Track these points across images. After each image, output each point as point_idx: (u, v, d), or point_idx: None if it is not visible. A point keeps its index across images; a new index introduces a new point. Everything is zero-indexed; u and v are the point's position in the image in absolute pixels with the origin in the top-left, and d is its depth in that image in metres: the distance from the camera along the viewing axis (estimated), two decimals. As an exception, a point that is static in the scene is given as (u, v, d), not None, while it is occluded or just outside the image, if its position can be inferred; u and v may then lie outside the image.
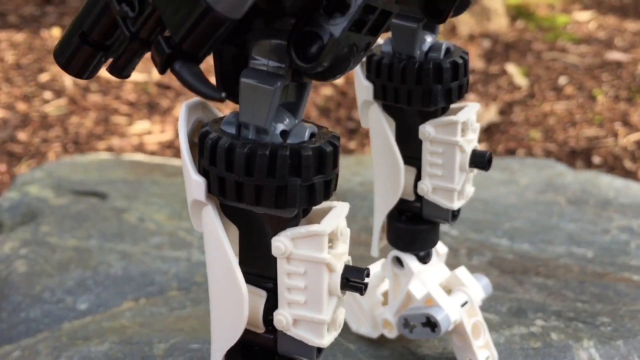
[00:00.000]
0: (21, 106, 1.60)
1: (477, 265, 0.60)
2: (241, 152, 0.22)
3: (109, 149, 1.44)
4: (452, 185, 0.35)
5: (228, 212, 0.25)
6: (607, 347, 0.41)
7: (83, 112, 1.57)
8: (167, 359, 0.41)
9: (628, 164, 1.48)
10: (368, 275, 0.25)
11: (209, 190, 0.24)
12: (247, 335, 0.27)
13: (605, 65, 1.96)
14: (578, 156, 1.51)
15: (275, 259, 0.25)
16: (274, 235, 0.25)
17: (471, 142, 0.35)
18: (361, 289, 0.25)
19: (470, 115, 0.35)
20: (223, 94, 0.21)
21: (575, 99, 1.74)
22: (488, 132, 1.63)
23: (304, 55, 0.22)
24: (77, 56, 0.23)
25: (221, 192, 0.23)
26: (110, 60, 0.23)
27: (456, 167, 0.35)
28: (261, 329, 0.26)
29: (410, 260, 0.38)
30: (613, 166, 1.48)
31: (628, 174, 1.44)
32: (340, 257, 0.25)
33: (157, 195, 0.78)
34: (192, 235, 0.65)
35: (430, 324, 0.37)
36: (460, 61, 0.34)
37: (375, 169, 0.37)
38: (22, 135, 1.50)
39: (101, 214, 0.70)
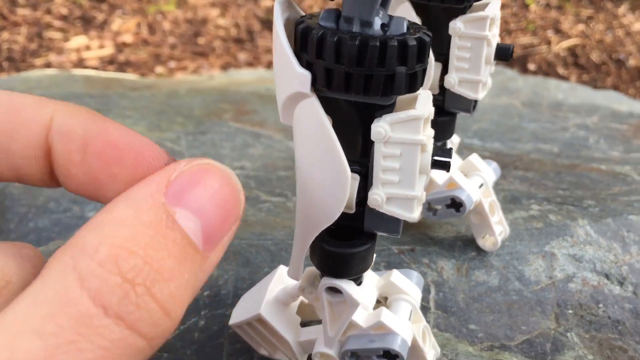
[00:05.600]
0: (-59, 22, 1.50)
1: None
2: (353, 44, 0.24)
3: (48, 66, 1.38)
4: (478, 77, 0.38)
5: (322, 103, 0.27)
6: (599, 224, 0.46)
7: (14, 28, 1.48)
8: (202, 255, 0.42)
9: (561, 69, 1.56)
10: (451, 155, 0.27)
11: (313, 83, 0.25)
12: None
13: (535, -26, 2.01)
14: (515, 64, 1.57)
15: (365, 144, 0.27)
16: (364, 123, 0.26)
17: (495, 36, 0.38)
18: (447, 165, 0.27)
19: (496, 11, 0.37)
20: None
21: (510, 8, 1.79)
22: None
23: None
24: None
25: (328, 83, 0.25)
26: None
27: (482, 60, 0.37)
28: (352, 210, 0.28)
29: (432, 150, 0.41)
30: (547, 72, 1.55)
31: (561, 79, 1.52)
32: (430, 138, 0.27)
33: (129, 108, 0.77)
34: (178, 145, 0.66)
35: (455, 204, 0.40)
36: (492, -42, 0.36)
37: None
38: (-53, 54, 1.41)
39: (79, 128, 0.69)
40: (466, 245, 0.44)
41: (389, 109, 0.27)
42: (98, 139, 0.25)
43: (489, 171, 0.43)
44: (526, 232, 0.45)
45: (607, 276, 0.42)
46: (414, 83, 0.26)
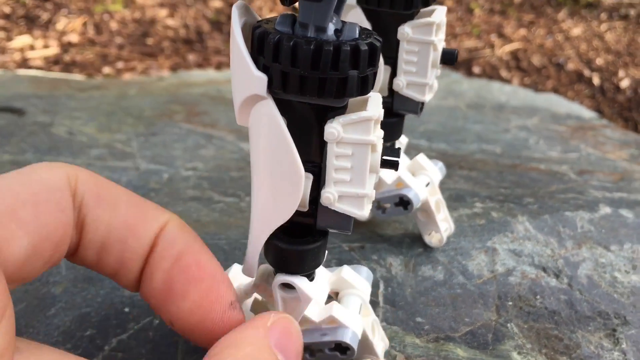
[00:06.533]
0: None
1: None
2: (308, 48, 0.25)
3: (-10, 66, 1.35)
4: (425, 80, 0.40)
5: (277, 105, 0.28)
6: (537, 220, 0.49)
7: (-46, 26, 1.44)
8: (156, 255, 0.43)
9: (504, 72, 1.61)
10: (400, 155, 0.29)
11: (269, 86, 0.26)
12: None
13: (479, -21, 2.07)
14: (460, 66, 1.62)
15: (319, 144, 0.28)
16: (318, 124, 0.28)
17: (441, 41, 0.40)
18: (396, 165, 0.29)
19: (442, 17, 0.39)
20: None
21: (455, 12, 1.83)
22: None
23: None
24: None
25: (283, 86, 0.26)
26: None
27: (429, 64, 0.39)
28: (306, 208, 0.29)
29: (381, 151, 0.43)
30: (491, 75, 1.59)
31: (504, 82, 1.56)
32: (379, 138, 0.28)
33: (78, 109, 0.76)
34: (130, 147, 0.66)
35: (403, 202, 0.42)
36: (437, -32, 0.37)
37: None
38: None
39: (27, 129, 0.68)
40: (413, 242, 0.45)
41: (342, 110, 0.29)
42: (191, 257, 0.29)
43: (435, 170, 0.45)
44: (470, 229, 0.47)
45: (544, 269, 0.45)
46: (365, 86, 0.27)
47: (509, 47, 1.68)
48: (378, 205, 0.43)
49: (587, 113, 0.97)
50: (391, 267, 0.43)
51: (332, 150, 0.28)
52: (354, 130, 0.28)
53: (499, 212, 0.49)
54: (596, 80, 1.57)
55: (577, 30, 1.76)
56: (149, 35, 1.52)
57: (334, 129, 0.28)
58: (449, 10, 1.84)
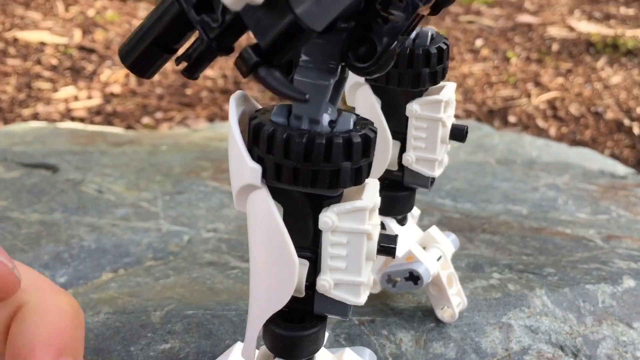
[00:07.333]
0: None
1: (429, 225, 0.65)
2: (300, 141, 0.25)
3: (35, 116, 1.40)
4: (434, 156, 0.40)
5: (273, 193, 0.28)
6: (556, 294, 0.47)
7: (3, 78, 1.50)
8: (166, 326, 0.43)
9: (540, 122, 1.59)
10: (396, 242, 0.29)
11: (263, 175, 0.26)
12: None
13: (516, 27, 2.07)
14: (495, 115, 1.61)
15: (315, 232, 0.28)
16: (314, 211, 0.28)
17: (450, 117, 0.40)
18: (393, 252, 0.28)
19: (451, 94, 0.39)
20: (307, 96, 0.23)
21: (492, 61, 1.83)
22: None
23: (362, 57, 0.24)
24: (146, 58, 0.25)
25: (277, 176, 0.26)
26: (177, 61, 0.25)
27: (438, 140, 0.39)
28: (302, 294, 0.29)
29: (391, 223, 0.42)
30: (527, 124, 1.58)
31: (541, 132, 1.55)
32: (376, 226, 0.28)
33: (109, 166, 0.78)
34: (155, 206, 0.67)
35: (413, 277, 0.41)
36: (444, 47, 0.38)
37: None
38: None
39: (58, 187, 0.70)
40: (425, 316, 0.45)
41: (337, 199, 0.29)
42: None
43: (447, 243, 0.44)
44: (484, 303, 0.46)
45: (562, 348, 0.43)
46: (359, 176, 0.27)
47: (546, 96, 1.66)
48: (389, 278, 0.43)
49: (622, 169, 0.95)
50: (401, 343, 0.43)
51: (327, 238, 0.28)
52: (349, 220, 0.28)
53: (516, 285, 0.48)
54: (636, 130, 1.53)
55: (616, 79, 1.74)
56: (188, 86, 1.56)
57: (328, 218, 0.28)
58: (485, 59, 1.84)
